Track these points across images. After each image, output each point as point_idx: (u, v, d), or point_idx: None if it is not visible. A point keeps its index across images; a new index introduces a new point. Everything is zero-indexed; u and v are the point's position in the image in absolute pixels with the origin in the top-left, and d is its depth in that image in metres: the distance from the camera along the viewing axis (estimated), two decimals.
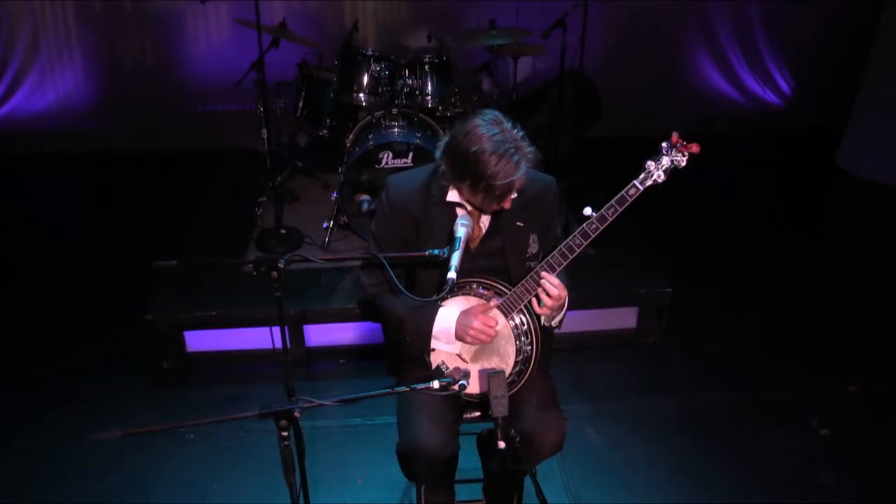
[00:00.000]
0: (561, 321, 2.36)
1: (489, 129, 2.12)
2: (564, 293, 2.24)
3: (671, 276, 4.08)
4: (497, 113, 2.18)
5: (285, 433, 1.77)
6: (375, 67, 4.49)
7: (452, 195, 2.29)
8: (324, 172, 5.12)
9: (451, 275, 2.10)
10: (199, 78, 6.09)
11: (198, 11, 5.91)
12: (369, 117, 4.48)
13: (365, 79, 4.49)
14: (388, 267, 2.13)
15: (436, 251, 2.15)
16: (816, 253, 4.92)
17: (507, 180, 2.11)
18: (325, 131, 4.76)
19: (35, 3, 5.89)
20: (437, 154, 2.25)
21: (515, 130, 2.15)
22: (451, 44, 4.96)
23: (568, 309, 2.34)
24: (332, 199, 4.40)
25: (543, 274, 2.21)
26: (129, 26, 6.02)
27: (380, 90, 4.49)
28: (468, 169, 2.13)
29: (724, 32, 6.50)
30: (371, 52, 4.53)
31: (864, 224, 5.35)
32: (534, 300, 2.24)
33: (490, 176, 2.11)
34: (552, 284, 2.20)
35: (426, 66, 4.58)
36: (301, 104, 4.78)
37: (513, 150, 2.10)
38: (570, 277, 2.38)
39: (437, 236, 2.28)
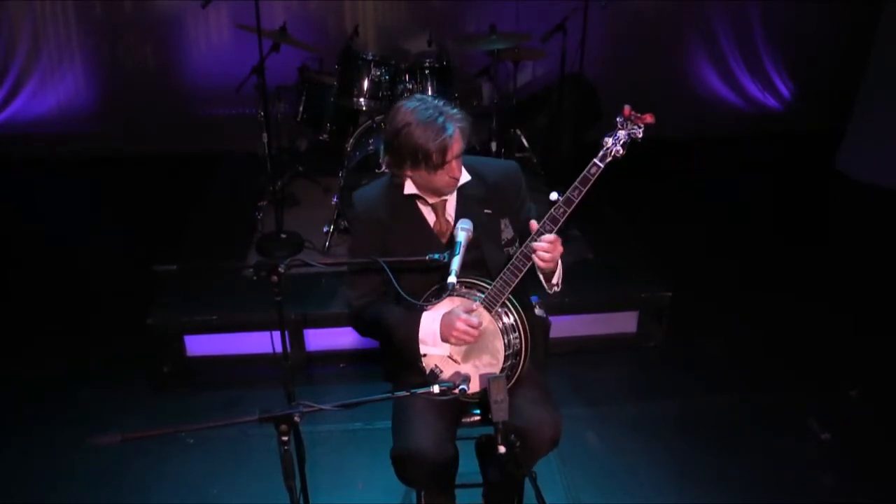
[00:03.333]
0: (560, 281, 2.35)
1: (410, 104, 2.24)
2: (558, 244, 2.22)
3: (671, 280, 4.08)
4: (419, 94, 2.26)
5: (285, 438, 1.76)
6: (376, 72, 4.49)
7: (409, 187, 2.33)
8: (324, 177, 5.12)
9: (452, 279, 2.11)
10: (199, 82, 6.11)
11: (198, 15, 5.93)
12: (370, 122, 4.48)
13: (365, 83, 4.50)
14: (389, 270, 2.13)
15: (436, 255, 2.16)
16: (816, 256, 4.92)
17: (438, 141, 2.16)
18: (325, 135, 4.76)
19: (35, 8, 5.91)
20: (375, 149, 2.34)
21: (440, 101, 2.22)
22: (451, 48, 4.97)
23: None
24: (333, 203, 4.40)
25: (535, 242, 2.20)
26: (129, 30, 6.03)
27: (380, 94, 4.49)
28: (402, 148, 2.20)
29: (724, 36, 6.52)
30: (371, 57, 4.54)
31: (865, 227, 5.35)
32: (535, 259, 2.22)
33: (422, 146, 2.17)
34: (545, 242, 2.20)
35: (426, 71, 4.59)
36: (301, 108, 4.79)
37: (436, 114, 2.18)
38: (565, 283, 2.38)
39: (410, 235, 2.32)
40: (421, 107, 2.21)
